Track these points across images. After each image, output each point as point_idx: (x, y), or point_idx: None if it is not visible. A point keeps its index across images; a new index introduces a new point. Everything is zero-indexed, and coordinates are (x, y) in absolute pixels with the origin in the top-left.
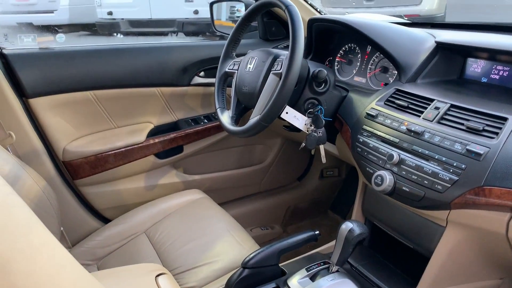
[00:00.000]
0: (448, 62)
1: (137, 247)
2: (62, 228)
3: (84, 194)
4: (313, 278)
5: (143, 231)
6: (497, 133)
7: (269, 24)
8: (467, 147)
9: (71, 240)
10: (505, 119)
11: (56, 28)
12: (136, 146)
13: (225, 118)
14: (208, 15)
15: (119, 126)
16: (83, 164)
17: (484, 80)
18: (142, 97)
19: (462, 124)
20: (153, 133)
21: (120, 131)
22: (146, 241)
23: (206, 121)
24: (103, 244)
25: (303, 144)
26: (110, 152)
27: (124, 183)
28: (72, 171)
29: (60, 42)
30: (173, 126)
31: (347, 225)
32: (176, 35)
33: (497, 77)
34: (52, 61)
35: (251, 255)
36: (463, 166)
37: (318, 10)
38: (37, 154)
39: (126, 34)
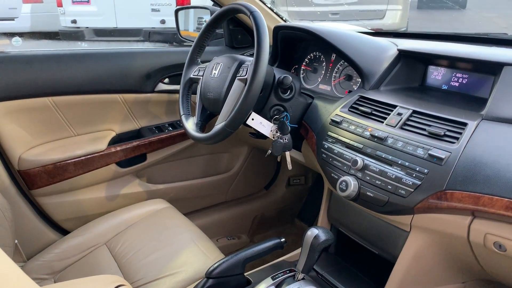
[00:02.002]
0: (410, 70)
1: (97, 259)
2: (16, 241)
3: (41, 204)
4: (279, 286)
5: (103, 242)
6: (457, 138)
7: (235, 32)
8: (429, 152)
9: (27, 253)
10: (465, 124)
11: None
12: (97, 154)
13: (190, 125)
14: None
15: (79, 134)
16: (40, 173)
17: (444, 87)
18: (104, 103)
19: (424, 129)
20: (115, 141)
21: (80, 139)
22: (107, 253)
23: (170, 128)
24: (61, 257)
25: (270, 151)
26: (69, 161)
27: (84, 193)
28: (28, 181)
29: (16, 46)
30: (136, 134)
31: (312, 232)
32: (143, 44)
33: (457, 84)
34: (7, 66)
35: (215, 265)
36: (426, 170)
37: (284, 18)
38: None
39: (91, 42)
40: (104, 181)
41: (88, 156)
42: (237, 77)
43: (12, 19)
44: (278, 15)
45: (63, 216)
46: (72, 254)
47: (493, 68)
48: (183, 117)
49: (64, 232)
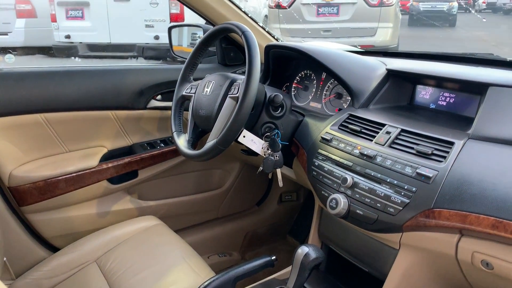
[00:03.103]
0: (399, 89)
1: (87, 277)
2: (5, 259)
3: (31, 221)
4: None
5: (93, 260)
6: (445, 157)
7: (227, 50)
8: (417, 170)
9: (15, 271)
10: (452, 143)
11: (10, 51)
12: (88, 171)
13: (182, 141)
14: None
15: (71, 150)
16: (31, 190)
17: (432, 106)
18: (96, 120)
19: (412, 148)
20: (106, 157)
21: (71, 155)
22: (97, 271)
23: (162, 145)
24: (50, 275)
25: (261, 168)
26: (60, 177)
27: (75, 210)
28: (18, 198)
29: (9, 63)
30: (128, 150)
31: (303, 250)
32: (136, 59)
33: (444, 103)
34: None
35: (206, 283)
36: (414, 189)
37: (276, 37)
38: None
39: (84, 57)
40: (95, 197)
41: (80, 173)
42: (228, 95)
43: (6, 33)
44: (270, 34)
45: (53, 233)
46: (62, 272)
47: (479, 88)
48: (175, 134)
49: (54, 249)
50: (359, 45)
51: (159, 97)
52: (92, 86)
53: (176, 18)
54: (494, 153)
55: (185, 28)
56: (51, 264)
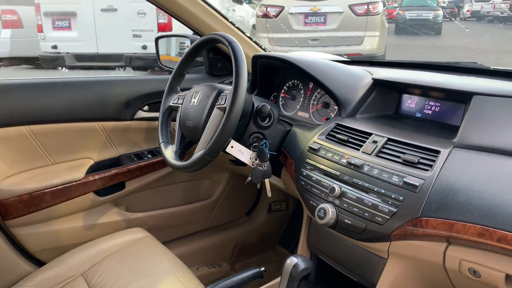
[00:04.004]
0: (385, 98)
1: None
2: None
3: (16, 235)
4: None
5: (80, 273)
6: (431, 166)
7: (215, 60)
8: (404, 179)
9: (0, 286)
10: (438, 152)
11: None
12: (74, 183)
13: (169, 152)
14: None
15: (57, 163)
16: (15, 203)
17: (418, 115)
18: (82, 132)
19: (399, 157)
20: (93, 169)
21: (57, 168)
22: (84, 285)
23: (150, 156)
24: None
25: (249, 178)
26: (46, 190)
27: (61, 223)
28: (3, 211)
29: None
30: (115, 162)
31: (291, 260)
32: (124, 69)
33: (430, 112)
34: None
35: None
36: (401, 198)
37: (263, 47)
38: None
39: (71, 68)
40: (82, 210)
41: (66, 185)
42: (216, 106)
43: None
44: (257, 44)
45: (39, 247)
46: (47, 287)
47: (464, 97)
48: (162, 145)
49: (39, 263)
50: (346, 54)
51: (146, 107)
52: (78, 97)
53: (164, 28)
54: (479, 162)
55: (173, 38)
56: (36, 279)
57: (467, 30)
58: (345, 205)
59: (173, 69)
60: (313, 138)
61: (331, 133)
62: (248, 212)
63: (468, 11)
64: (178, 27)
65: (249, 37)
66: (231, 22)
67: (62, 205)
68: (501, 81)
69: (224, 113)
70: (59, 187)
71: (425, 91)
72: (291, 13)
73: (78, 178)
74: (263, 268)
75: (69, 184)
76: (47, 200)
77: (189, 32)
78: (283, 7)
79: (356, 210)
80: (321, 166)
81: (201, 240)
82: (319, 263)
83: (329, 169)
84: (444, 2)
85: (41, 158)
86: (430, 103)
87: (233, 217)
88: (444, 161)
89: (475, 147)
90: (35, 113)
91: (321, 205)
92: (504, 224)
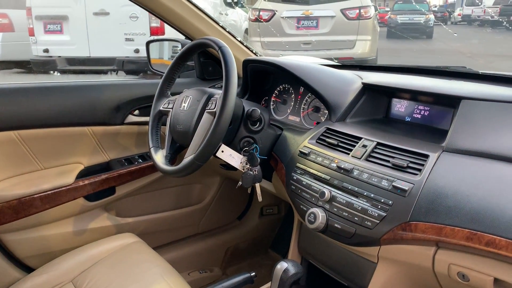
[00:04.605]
0: (375, 102)
1: None
2: None
3: (5, 241)
4: None
5: (69, 280)
6: (420, 170)
7: (206, 64)
8: (393, 184)
9: None
10: (427, 156)
11: None
12: (64, 188)
13: (159, 157)
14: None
15: (46, 168)
16: (4, 209)
17: (408, 119)
18: (72, 136)
19: (388, 161)
20: (83, 174)
21: (47, 173)
22: None
23: (140, 160)
24: None
25: (240, 183)
26: (35, 196)
27: (50, 229)
28: None
29: None
30: (105, 167)
31: (282, 265)
32: (116, 73)
33: (419, 116)
34: None
35: None
36: (390, 202)
37: (254, 51)
38: None
39: (63, 72)
40: (72, 215)
41: (55, 190)
42: (206, 110)
43: None
44: (248, 48)
45: (28, 253)
46: None
47: (452, 101)
48: (152, 150)
49: (28, 269)
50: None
51: (136, 112)
52: (68, 101)
53: (156, 31)
54: (467, 166)
55: (161, 41)
56: (25, 286)
57: (455, 34)
58: (335, 210)
59: (163, 72)
60: (304, 143)
61: (321, 137)
62: (240, 216)
63: (459, 15)
64: (170, 31)
65: (240, 41)
66: (222, 27)
67: (51, 211)
68: (490, 86)
69: (214, 117)
70: (48, 192)
71: (414, 95)
72: (283, 17)
73: (68, 183)
74: (253, 273)
75: (59, 189)
76: (37, 206)
77: (182, 37)
78: (275, 11)
79: (346, 214)
80: (311, 171)
81: (192, 245)
82: (309, 267)
83: (319, 174)
84: (436, 6)
85: (30, 163)
86: (419, 107)
87: (225, 222)
88: (433, 165)
89: (464, 151)
90: (24, 118)
91: (311, 210)
92: (492, 228)
